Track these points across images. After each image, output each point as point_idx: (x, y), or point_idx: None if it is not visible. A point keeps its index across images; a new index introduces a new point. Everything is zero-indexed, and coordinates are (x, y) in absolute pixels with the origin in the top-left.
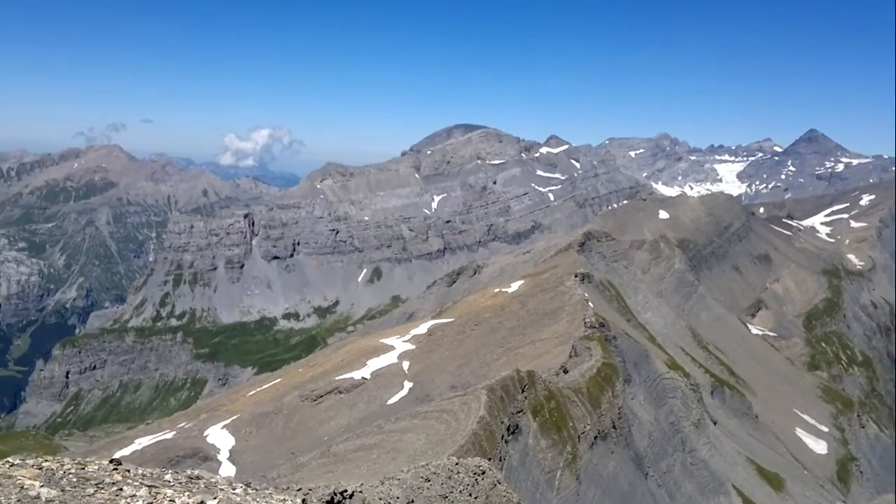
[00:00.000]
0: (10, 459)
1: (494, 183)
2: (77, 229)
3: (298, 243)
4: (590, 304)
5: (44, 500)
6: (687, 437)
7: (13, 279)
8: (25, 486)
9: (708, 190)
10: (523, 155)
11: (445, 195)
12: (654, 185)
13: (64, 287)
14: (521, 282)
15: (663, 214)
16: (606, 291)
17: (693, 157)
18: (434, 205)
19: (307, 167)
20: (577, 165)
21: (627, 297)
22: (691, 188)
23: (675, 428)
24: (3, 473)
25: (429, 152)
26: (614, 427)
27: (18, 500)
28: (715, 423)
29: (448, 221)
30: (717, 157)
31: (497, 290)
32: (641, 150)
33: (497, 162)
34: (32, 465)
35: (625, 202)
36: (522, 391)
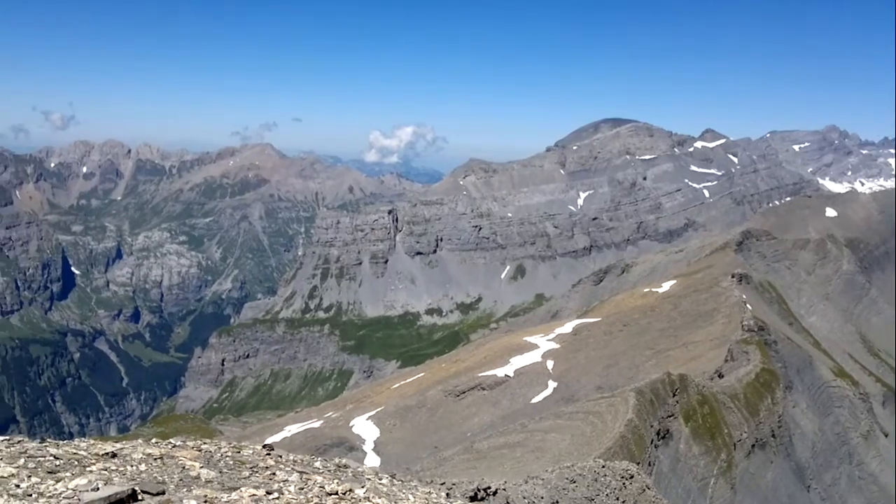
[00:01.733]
0: (171, 441)
1: (644, 179)
2: (232, 224)
3: (441, 239)
4: (748, 306)
5: (203, 480)
6: (855, 449)
7: (174, 270)
8: (187, 467)
9: (881, 186)
10: (676, 150)
11: (592, 191)
12: (821, 181)
13: (220, 279)
14: (672, 282)
15: (830, 212)
16: (766, 293)
17: (864, 151)
18: (580, 201)
19: (450, 164)
20: (735, 160)
21: (790, 299)
22: (862, 184)
23: (841, 439)
24: (167, 454)
25: (575, 147)
26: (773, 436)
27: (181, 479)
28: (886, 436)
29: (595, 218)
30: (892, 151)
31: (647, 289)
32: (806, 144)
33: (647, 157)
34: (192, 447)
35: (787, 199)
36: (674, 395)
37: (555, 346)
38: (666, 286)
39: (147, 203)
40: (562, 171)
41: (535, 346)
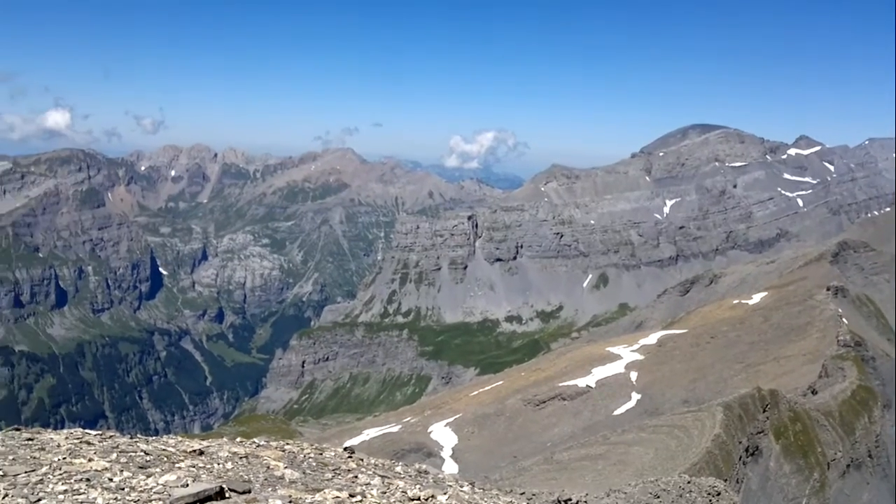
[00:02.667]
0: (255, 440)
1: (734, 187)
2: (313, 228)
3: (521, 246)
4: (844, 320)
5: (287, 480)
6: None
7: (257, 272)
8: (271, 467)
9: None
10: (768, 157)
11: (679, 199)
12: None
13: (301, 281)
14: (763, 293)
15: None
16: (864, 307)
17: None
18: (666, 209)
19: (531, 169)
20: (831, 168)
21: (889, 314)
22: None
23: None
24: (251, 453)
25: (661, 154)
26: (870, 456)
27: (265, 479)
28: None
29: (681, 227)
30: None
31: (736, 301)
32: None
33: (738, 164)
34: (276, 447)
35: (887, 209)
36: (764, 410)
37: (639, 357)
38: (756, 298)
39: (232, 206)
40: (647, 178)
41: (618, 357)
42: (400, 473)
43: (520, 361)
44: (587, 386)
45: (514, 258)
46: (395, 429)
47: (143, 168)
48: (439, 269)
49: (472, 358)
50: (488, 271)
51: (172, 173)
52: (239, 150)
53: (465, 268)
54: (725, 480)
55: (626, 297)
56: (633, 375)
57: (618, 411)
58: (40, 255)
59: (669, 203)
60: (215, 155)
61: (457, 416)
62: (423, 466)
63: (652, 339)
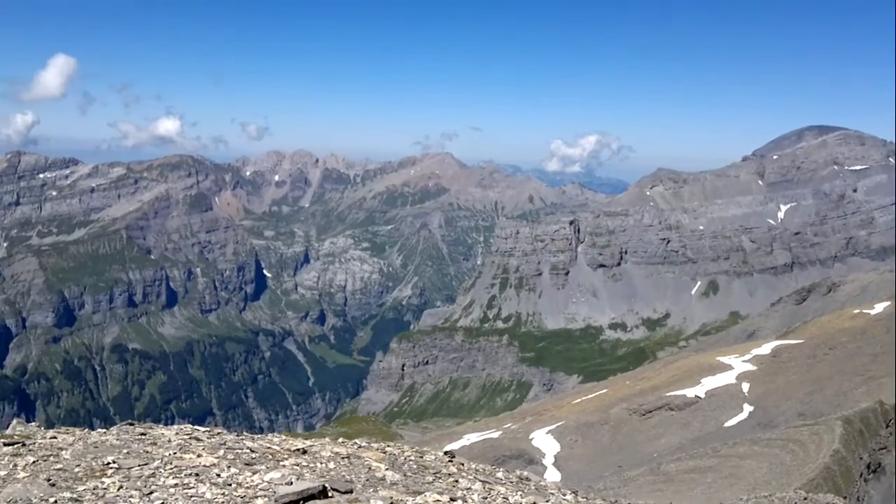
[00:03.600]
0: (357, 441)
1: (854, 191)
2: (412, 232)
3: (626, 252)
4: None
5: (389, 482)
6: None
7: (357, 276)
8: (372, 468)
9: None
10: (891, 159)
11: (794, 204)
12: None
13: (401, 285)
14: (887, 303)
15: None
16: None
17: None
18: (780, 214)
19: (636, 173)
20: None
21: None
22: None
23: None
24: (353, 453)
25: (775, 157)
26: None
27: (367, 480)
28: None
29: (797, 233)
30: None
31: (857, 310)
32: None
33: (858, 167)
34: (377, 449)
35: None
36: (887, 426)
37: (751, 367)
38: (879, 308)
39: (332, 210)
40: (760, 182)
41: (728, 367)
42: (501, 479)
43: (624, 370)
44: (696, 396)
45: (618, 264)
46: (496, 434)
47: (248, 173)
48: (540, 274)
49: (575, 365)
50: (591, 277)
51: (276, 178)
52: (340, 156)
53: (567, 273)
54: (845, 497)
55: (737, 305)
56: (745, 386)
57: (728, 423)
58: (152, 257)
59: (784, 208)
60: (317, 160)
61: (559, 423)
62: (525, 473)
63: (765, 349)
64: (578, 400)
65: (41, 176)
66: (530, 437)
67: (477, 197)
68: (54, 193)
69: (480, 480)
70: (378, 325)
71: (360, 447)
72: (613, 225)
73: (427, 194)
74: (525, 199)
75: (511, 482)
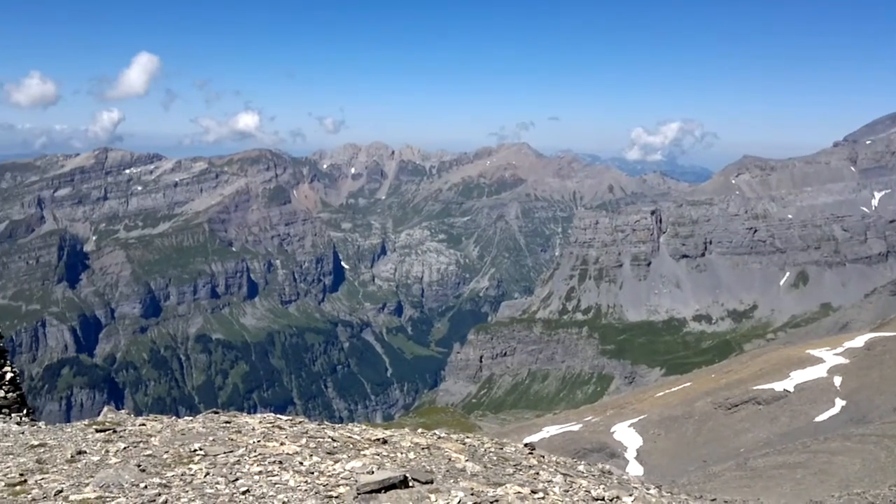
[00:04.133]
0: (436, 432)
1: None
2: (489, 223)
3: (710, 242)
4: None
5: (469, 473)
6: None
7: (434, 267)
8: (452, 458)
9: None
10: None
11: (889, 191)
12: None
13: (477, 277)
14: None
15: None
16: None
17: None
18: (874, 202)
19: (720, 161)
20: None
21: None
22: None
23: None
24: (433, 444)
25: (868, 142)
26: None
27: (447, 470)
28: None
29: (892, 221)
30: None
31: None
32: None
33: None
34: (456, 440)
35: None
36: None
37: (843, 360)
38: None
39: (409, 202)
40: (852, 169)
41: (819, 360)
42: (583, 472)
43: (709, 363)
44: (784, 390)
45: (703, 255)
46: (576, 427)
47: (325, 166)
48: (621, 265)
49: (657, 358)
50: (674, 268)
51: (352, 171)
52: (415, 147)
53: (649, 264)
54: None
55: (828, 296)
56: (837, 380)
57: (819, 418)
58: (233, 249)
59: (878, 195)
60: (392, 152)
61: (641, 416)
62: (607, 467)
63: (859, 341)
64: (661, 393)
65: (127, 171)
66: (612, 430)
67: (554, 187)
68: (140, 188)
69: (562, 473)
70: (455, 317)
71: (439, 438)
72: (697, 214)
73: (503, 185)
74: (604, 188)
75: (593, 475)
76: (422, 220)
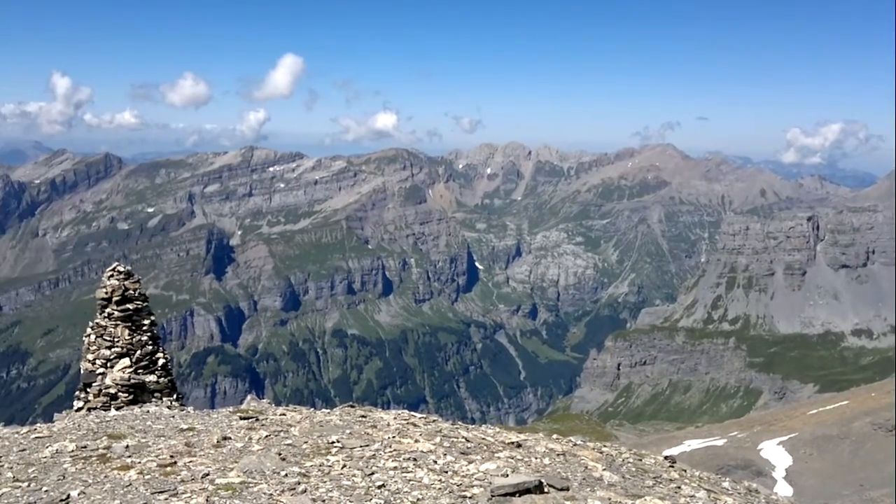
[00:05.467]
0: (572, 439)
1: None
2: (629, 227)
3: (873, 251)
4: None
5: (606, 482)
6: None
7: (570, 271)
8: (589, 467)
9: None
10: None
11: None
12: None
13: (616, 282)
14: None
15: None
16: None
17: None
18: None
19: (886, 165)
20: None
21: None
22: None
23: None
24: (568, 451)
25: None
26: None
27: (583, 479)
28: None
29: None
30: None
31: None
32: None
33: None
34: (593, 448)
35: None
36: None
37: None
38: None
39: (545, 203)
40: None
41: None
42: (727, 489)
43: (869, 380)
44: None
45: (864, 265)
46: (720, 442)
47: (460, 166)
48: (772, 274)
49: (811, 373)
50: (831, 278)
51: (488, 171)
52: (553, 148)
53: (804, 274)
54: None
55: None
56: None
57: None
58: (370, 246)
59: None
60: (529, 152)
61: (792, 434)
62: (754, 485)
63: None
64: (815, 411)
65: (271, 169)
66: (758, 447)
67: (701, 190)
68: (282, 185)
69: (705, 489)
70: (592, 322)
71: (574, 445)
72: (859, 222)
73: (646, 187)
74: (756, 192)
75: (739, 493)
76: (558, 221)
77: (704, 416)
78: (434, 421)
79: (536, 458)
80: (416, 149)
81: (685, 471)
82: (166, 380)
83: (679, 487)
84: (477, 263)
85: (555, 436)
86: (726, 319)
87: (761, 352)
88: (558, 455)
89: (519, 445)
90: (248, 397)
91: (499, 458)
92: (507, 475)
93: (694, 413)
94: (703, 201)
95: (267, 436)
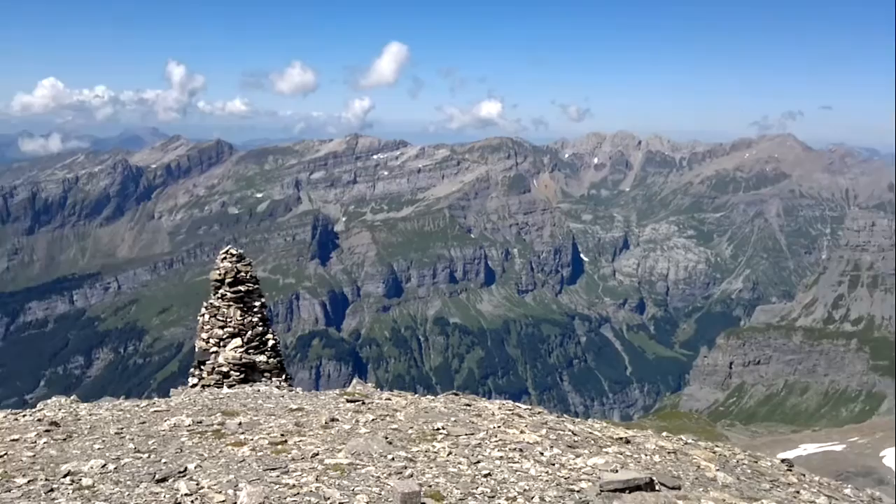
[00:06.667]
0: (682, 437)
1: None
2: (745, 220)
3: None
4: None
5: (720, 483)
6: None
7: (681, 265)
8: (701, 467)
9: None
10: None
11: None
12: None
13: (730, 277)
14: None
15: None
16: None
17: None
18: None
19: None
20: None
21: None
22: None
23: None
24: (679, 449)
25: None
26: None
27: (696, 478)
28: None
29: None
30: None
31: None
32: None
33: None
34: (705, 448)
35: None
36: None
37: None
38: None
39: (655, 195)
40: None
41: None
42: (849, 496)
43: None
44: None
45: None
46: (839, 447)
47: (566, 155)
48: None
49: None
50: None
51: (595, 161)
52: (664, 138)
53: None
54: None
55: None
56: None
57: None
58: (472, 236)
59: None
60: (639, 142)
61: None
62: (877, 493)
63: None
64: None
65: (375, 157)
66: (881, 454)
67: (823, 184)
68: (386, 173)
69: (825, 495)
70: (703, 319)
71: (686, 444)
72: None
73: (763, 179)
74: (883, 186)
75: (861, 501)
76: (669, 214)
77: (822, 420)
78: (539, 413)
79: (646, 455)
80: (520, 137)
81: (804, 475)
82: (276, 360)
83: (798, 492)
84: (582, 255)
85: (665, 433)
86: (848, 320)
87: (885, 355)
88: (669, 453)
89: (627, 441)
90: (355, 381)
91: (607, 452)
92: (617, 471)
93: (811, 416)
94: (826, 195)
95: (373, 419)
